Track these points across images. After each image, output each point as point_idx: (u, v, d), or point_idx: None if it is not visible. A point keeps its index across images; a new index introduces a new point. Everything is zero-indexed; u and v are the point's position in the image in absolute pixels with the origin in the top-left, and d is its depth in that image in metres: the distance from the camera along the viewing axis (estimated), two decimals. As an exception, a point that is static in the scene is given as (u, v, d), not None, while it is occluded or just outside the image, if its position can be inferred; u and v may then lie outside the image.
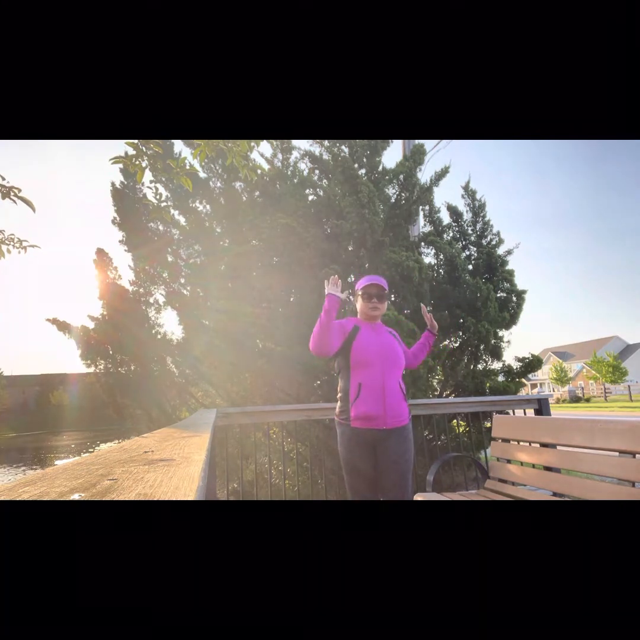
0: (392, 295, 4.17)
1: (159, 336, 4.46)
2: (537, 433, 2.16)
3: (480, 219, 5.06)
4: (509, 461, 2.30)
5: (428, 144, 6.13)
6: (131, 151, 1.76)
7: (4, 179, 1.85)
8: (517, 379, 4.50)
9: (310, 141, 4.81)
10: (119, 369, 4.36)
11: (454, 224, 5.11)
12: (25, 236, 2.17)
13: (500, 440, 2.39)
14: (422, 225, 5.23)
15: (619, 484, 1.62)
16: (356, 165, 4.43)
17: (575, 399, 27.30)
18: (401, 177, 4.52)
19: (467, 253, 4.97)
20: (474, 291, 4.22)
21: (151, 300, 4.60)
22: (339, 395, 2.02)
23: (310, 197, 4.68)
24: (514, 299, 4.67)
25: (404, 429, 1.94)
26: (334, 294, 1.84)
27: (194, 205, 4.64)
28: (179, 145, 4.69)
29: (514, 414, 3.35)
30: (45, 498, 0.52)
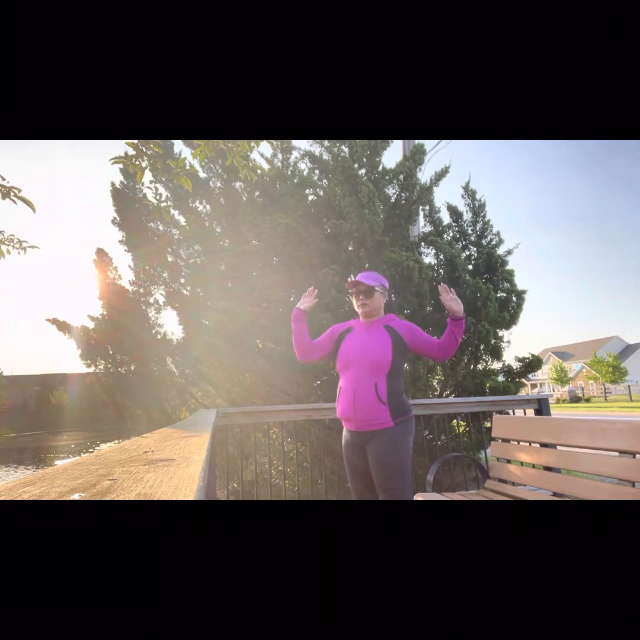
0: (393, 296, 4.16)
1: (159, 336, 4.46)
2: (537, 433, 2.16)
3: (480, 219, 5.06)
4: (509, 461, 2.31)
5: (428, 144, 6.12)
6: (131, 151, 1.76)
7: (4, 179, 1.85)
8: (517, 379, 4.50)
9: (310, 141, 4.81)
10: (119, 369, 4.36)
11: (454, 224, 5.11)
12: (25, 236, 2.17)
13: (500, 440, 2.39)
14: (422, 225, 5.22)
15: (619, 484, 1.62)
16: (356, 165, 4.43)
17: (575, 399, 27.29)
18: (401, 177, 4.52)
19: (467, 253, 4.96)
20: (474, 291, 4.22)
21: (151, 300, 4.60)
22: None
23: (310, 197, 4.68)
24: (514, 299, 4.67)
25: (383, 432, 1.85)
26: (298, 307, 2.07)
27: (194, 205, 4.65)
28: (179, 145, 4.70)
29: (514, 414, 3.35)
30: (45, 498, 0.52)
